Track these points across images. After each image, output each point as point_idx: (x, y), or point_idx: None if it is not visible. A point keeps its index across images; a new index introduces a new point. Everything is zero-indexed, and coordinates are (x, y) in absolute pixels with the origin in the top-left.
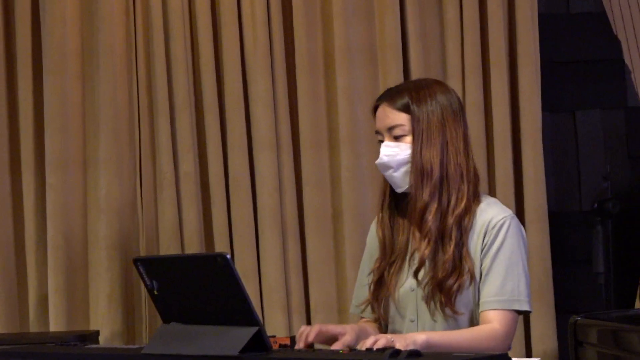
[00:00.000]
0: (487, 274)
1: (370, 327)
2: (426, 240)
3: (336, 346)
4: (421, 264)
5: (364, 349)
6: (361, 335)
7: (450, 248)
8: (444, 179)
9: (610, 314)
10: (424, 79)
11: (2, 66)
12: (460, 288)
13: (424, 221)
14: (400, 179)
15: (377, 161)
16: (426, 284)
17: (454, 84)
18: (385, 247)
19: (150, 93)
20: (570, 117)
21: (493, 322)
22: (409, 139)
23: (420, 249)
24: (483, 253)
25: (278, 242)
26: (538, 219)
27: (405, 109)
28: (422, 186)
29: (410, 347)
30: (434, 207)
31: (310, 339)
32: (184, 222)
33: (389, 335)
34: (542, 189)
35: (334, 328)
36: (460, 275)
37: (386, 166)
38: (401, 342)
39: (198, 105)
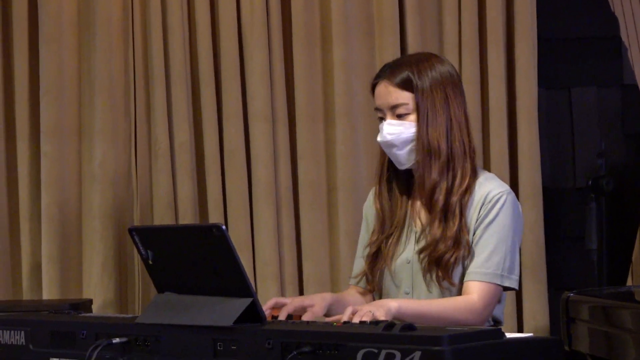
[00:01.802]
0: (475, 246)
1: (367, 297)
2: (437, 219)
3: (305, 317)
4: (432, 242)
5: (343, 320)
6: (334, 305)
7: (455, 225)
8: (449, 157)
9: (602, 290)
10: (421, 52)
11: None
12: (457, 261)
13: (433, 200)
14: (405, 157)
15: (380, 139)
16: (424, 257)
17: (451, 58)
18: (384, 220)
19: (146, 63)
20: (566, 94)
21: (473, 293)
22: (412, 117)
23: (431, 228)
24: (476, 225)
25: (272, 214)
26: (532, 195)
27: (408, 87)
28: (430, 165)
29: (382, 317)
30: (443, 185)
31: (282, 318)
32: (179, 192)
33: (365, 307)
34: (537, 165)
35: (300, 301)
36: (457, 249)
37: (390, 144)
38: (380, 311)
39: (194, 76)
